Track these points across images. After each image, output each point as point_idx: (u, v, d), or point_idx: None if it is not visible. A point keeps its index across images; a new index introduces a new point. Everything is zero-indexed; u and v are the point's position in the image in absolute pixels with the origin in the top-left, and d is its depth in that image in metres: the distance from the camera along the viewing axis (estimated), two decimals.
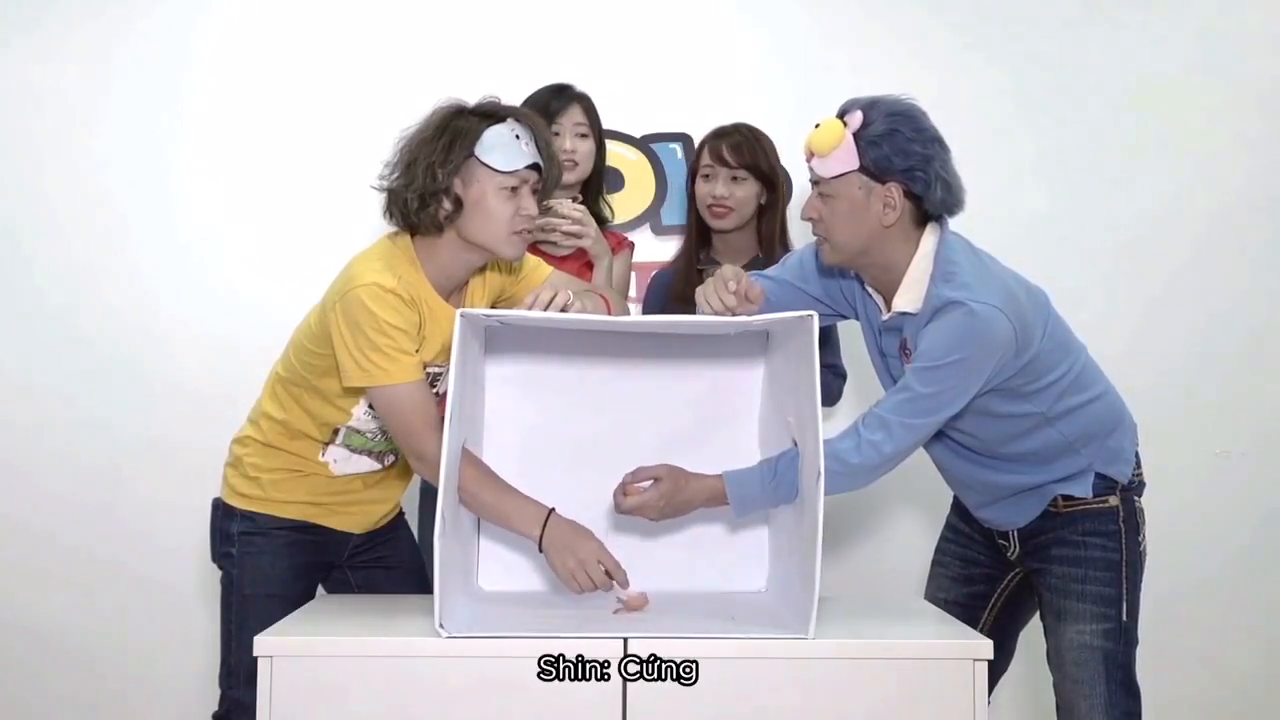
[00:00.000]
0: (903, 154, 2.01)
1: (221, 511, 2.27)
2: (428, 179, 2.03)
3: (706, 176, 2.73)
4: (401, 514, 2.46)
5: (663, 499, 2.08)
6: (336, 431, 2.21)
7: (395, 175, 2.08)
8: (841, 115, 2.06)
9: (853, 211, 2.05)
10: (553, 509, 2.07)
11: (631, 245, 2.88)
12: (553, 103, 2.72)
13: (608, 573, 2.03)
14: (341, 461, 2.23)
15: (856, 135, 2.02)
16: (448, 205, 2.05)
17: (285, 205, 3.30)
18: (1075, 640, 2.17)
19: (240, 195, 3.33)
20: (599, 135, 2.77)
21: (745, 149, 2.70)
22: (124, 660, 3.30)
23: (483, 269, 2.21)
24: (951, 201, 2.07)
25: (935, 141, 2.05)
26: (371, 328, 1.99)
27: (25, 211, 3.33)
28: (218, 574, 2.29)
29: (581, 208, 2.63)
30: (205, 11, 3.37)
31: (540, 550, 2.04)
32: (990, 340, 1.99)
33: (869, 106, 2.04)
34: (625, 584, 2.05)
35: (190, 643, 3.17)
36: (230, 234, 3.33)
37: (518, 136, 2.07)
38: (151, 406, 3.29)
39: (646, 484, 2.10)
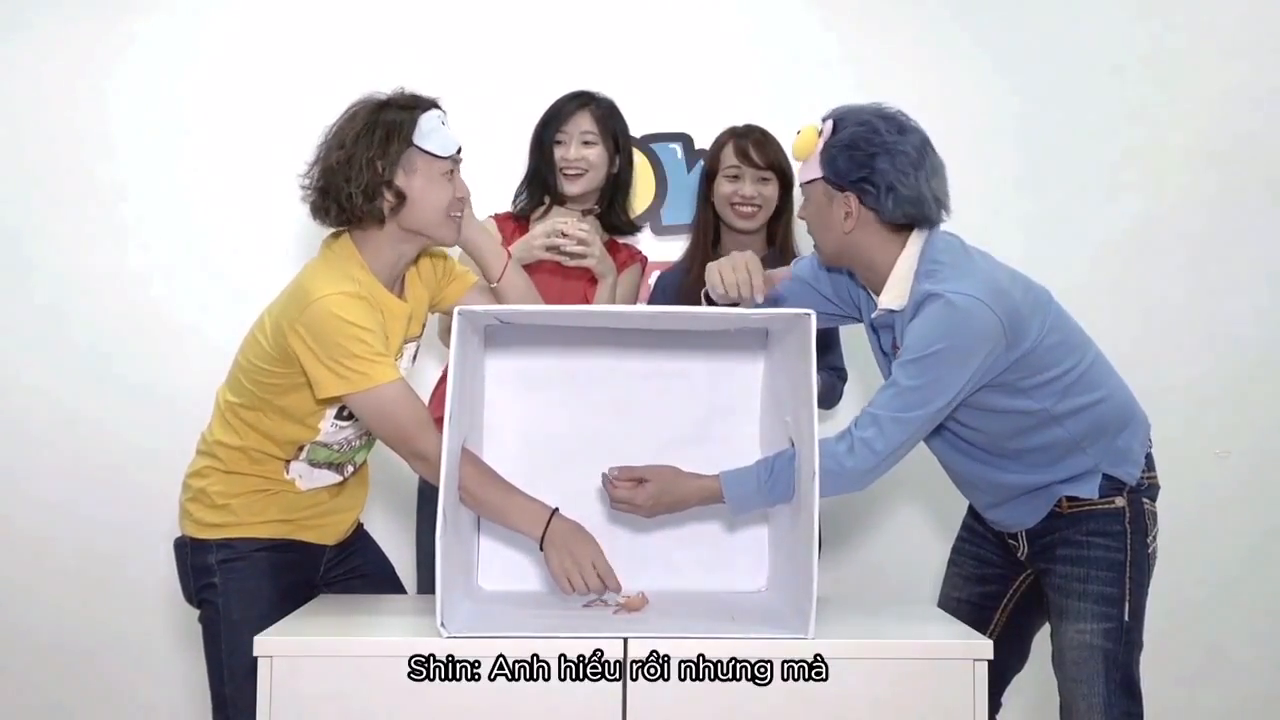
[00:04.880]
0: (856, 165, 2.06)
1: (191, 548, 2.21)
2: (370, 172, 2.05)
3: (734, 177, 2.72)
4: (361, 524, 2.43)
5: (650, 499, 2.10)
6: (301, 448, 2.19)
7: (325, 174, 2.09)
8: (823, 122, 2.12)
9: (820, 216, 2.14)
10: (556, 509, 2.07)
11: (644, 260, 2.86)
12: (564, 108, 2.73)
13: (600, 578, 2.04)
14: (305, 477, 2.22)
15: (825, 144, 2.09)
16: (390, 197, 2.07)
17: (291, 209, 3.26)
18: (1076, 639, 2.17)
19: (246, 200, 3.32)
20: (618, 143, 2.74)
21: (769, 148, 2.71)
22: (124, 663, 3.30)
23: (415, 260, 2.23)
24: (914, 213, 2.07)
25: (896, 154, 2.05)
26: (345, 336, 1.98)
27: (25, 212, 3.33)
28: None
29: (586, 226, 2.61)
30: (211, 11, 3.37)
31: (541, 549, 2.05)
32: (971, 330, 1.99)
33: (843, 116, 2.09)
34: (617, 589, 2.06)
35: (191, 645, 3.17)
36: (234, 241, 3.32)
37: (443, 123, 2.12)
38: (154, 407, 3.28)
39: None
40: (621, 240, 2.84)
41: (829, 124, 2.10)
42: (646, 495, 2.10)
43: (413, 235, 2.13)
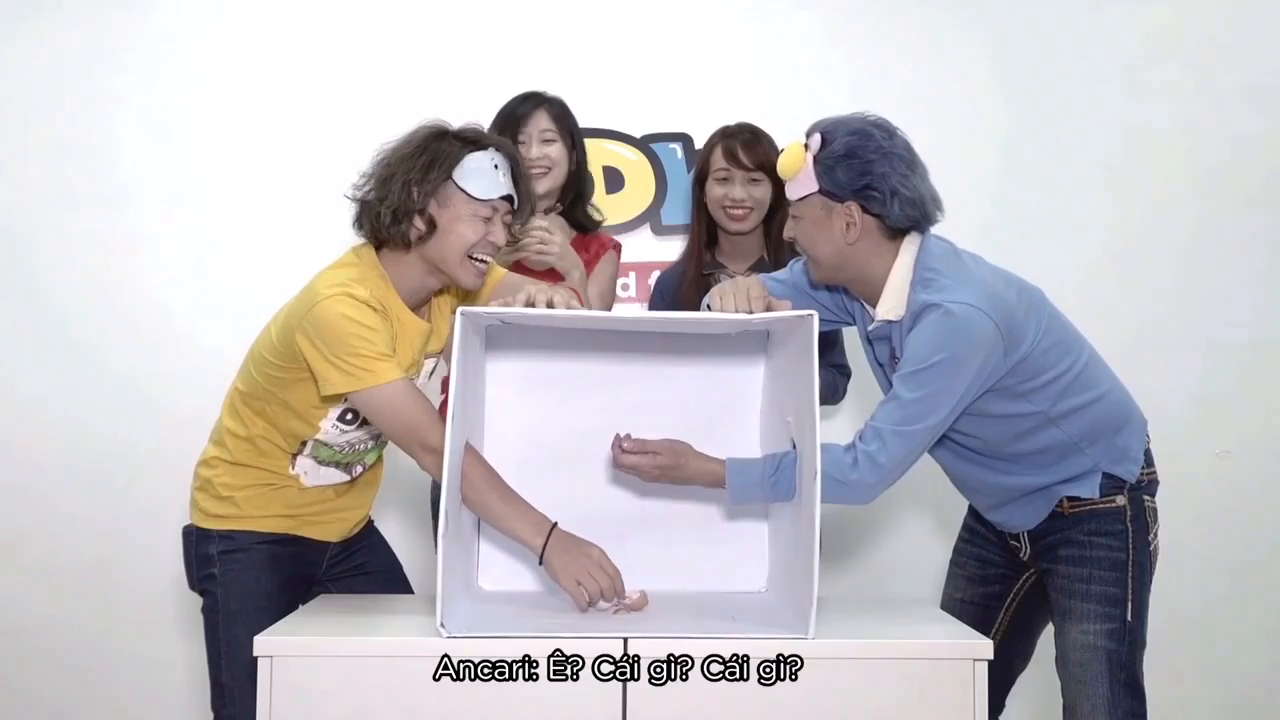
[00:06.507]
0: (857, 174, 2.05)
1: (196, 536, 2.24)
2: (404, 196, 2.05)
3: (724, 179, 2.69)
4: (372, 521, 2.43)
5: (657, 468, 2.10)
6: (304, 443, 2.20)
7: (369, 187, 2.09)
8: (807, 137, 2.11)
9: (818, 231, 2.11)
10: (555, 523, 2.06)
11: (617, 246, 2.84)
12: (519, 109, 2.71)
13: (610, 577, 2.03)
14: (311, 473, 2.23)
15: (816, 158, 2.08)
16: (420, 225, 2.07)
17: (301, 213, 3.28)
18: (1079, 640, 2.17)
19: (255, 204, 3.33)
20: (574, 139, 2.74)
21: (759, 148, 2.67)
22: (127, 668, 3.31)
23: (442, 292, 2.22)
24: (916, 215, 2.09)
25: (893, 157, 2.06)
26: (350, 334, 1.99)
27: (29, 215, 3.33)
28: None
29: (544, 224, 2.57)
30: (215, 11, 3.38)
31: (540, 562, 2.03)
32: (970, 338, 1.99)
33: (831, 128, 2.09)
34: (622, 594, 2.06)
35: (192, 650, 3.17)
36: (240, 244, 3.33)
37: (496, 166, 2.10)
38: (155, 413, 3.29)
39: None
40: (593, 234, 2.82)
41: (816, 138, 2.09)
42: (654, 464, 2.10)
43: (436, 269, 2.12)
